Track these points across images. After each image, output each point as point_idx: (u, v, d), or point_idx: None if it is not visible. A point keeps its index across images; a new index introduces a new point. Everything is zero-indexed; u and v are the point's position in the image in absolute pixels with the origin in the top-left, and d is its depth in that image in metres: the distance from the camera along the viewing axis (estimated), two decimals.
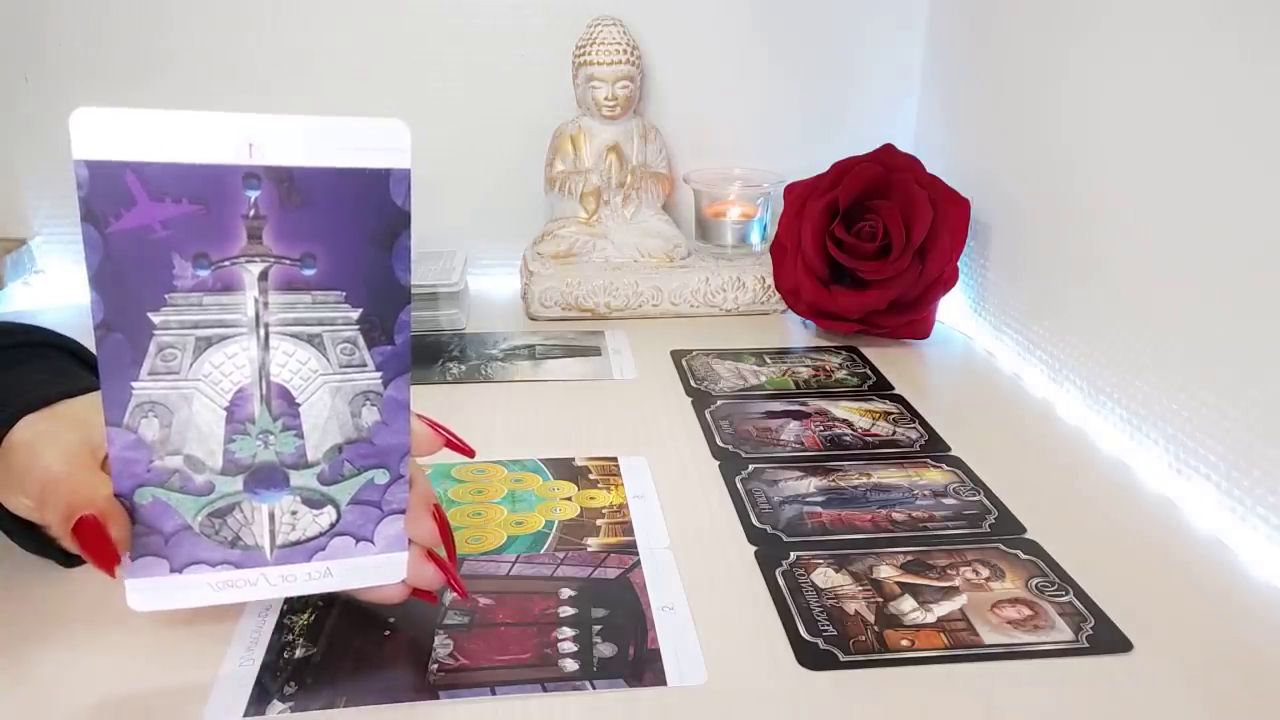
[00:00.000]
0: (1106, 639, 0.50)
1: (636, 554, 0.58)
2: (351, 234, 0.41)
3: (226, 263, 0.40)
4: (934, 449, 0.71)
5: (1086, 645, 0.50)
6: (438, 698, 0.46)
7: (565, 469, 0.68)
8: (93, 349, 0.40)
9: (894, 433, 0.73)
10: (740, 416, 0.76)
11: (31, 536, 0.51)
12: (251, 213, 0.40)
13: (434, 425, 0.48)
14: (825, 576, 0.55)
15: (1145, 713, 0.46)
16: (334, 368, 0.43)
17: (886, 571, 0.56)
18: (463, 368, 0.86)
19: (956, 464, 0.69)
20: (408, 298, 0.43)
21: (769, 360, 0.88)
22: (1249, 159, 0.59)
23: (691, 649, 0.49)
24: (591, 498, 0.64)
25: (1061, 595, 0.54)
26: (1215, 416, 0.62)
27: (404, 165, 0.41)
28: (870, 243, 0.89)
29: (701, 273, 0.99)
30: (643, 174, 1.03)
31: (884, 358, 0.88)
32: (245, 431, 0.42)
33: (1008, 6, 0.89)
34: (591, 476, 0.67)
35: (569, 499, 0.64)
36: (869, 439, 0.73)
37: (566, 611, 0.52)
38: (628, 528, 0.60)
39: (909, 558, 0.57)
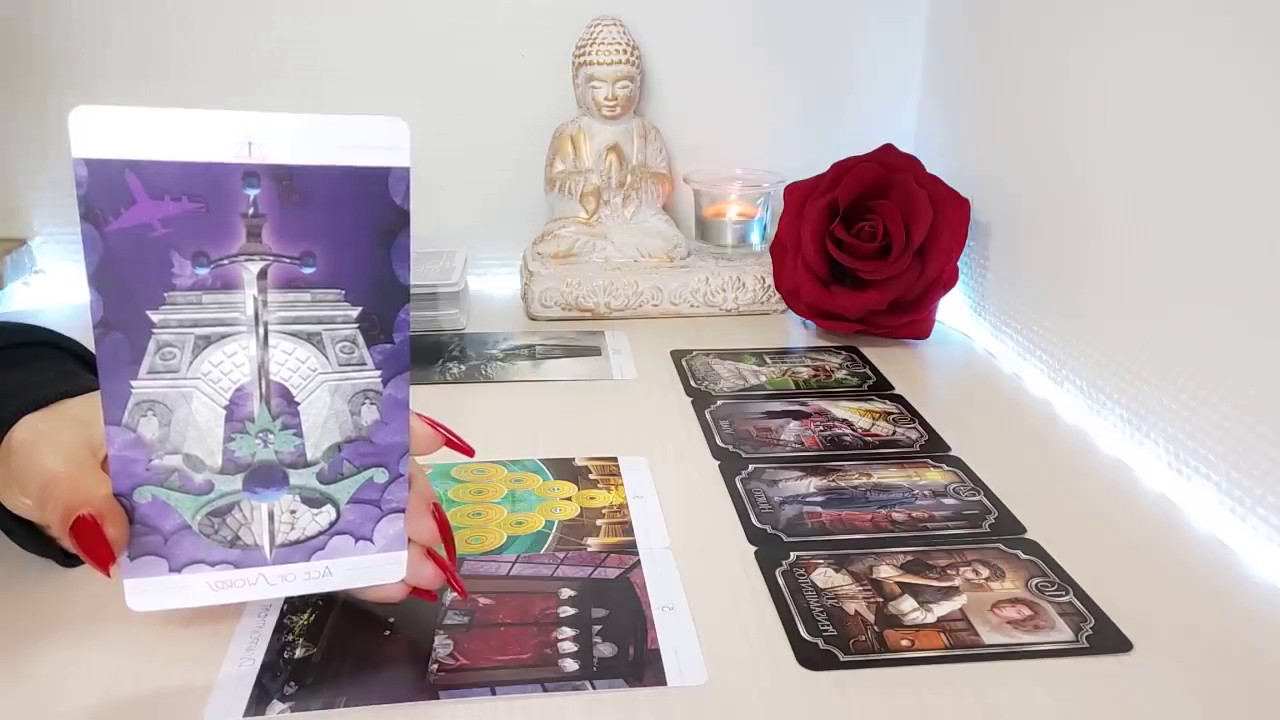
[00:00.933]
0: (1106, 639, 0.50)
1: (636, 554, 0.58)
2: (351, 232, 0.41)
3: (226, 261, 0.40)
4: (934, 449, 0.71)
5: (1086, 645, 0.50)
6: (438, 698, 0.46)
7: (565, 469, 0.68)
8: (92, 348, 0.40)
9: (894, 433, 0.73)
10: (740, 416, 0.76)
11: (32, 536, 0.51)
12: (251, 211, 0.40)
13: (433, 424, 0.48)
14: (825, 576, 0.55)
15: (1145, 713, 0.46)
16: (333, 366, 0.43)
17: (886, 571, 0.56)
18: (463, 368, 0.86)
19: (956, 464, 0.69)
20: (407, 296, 0.43)
21: (769, 360, 0.88)
22: (1249, 159, 0.59)
23: (691, 649, 0.49)
24: (591, 498, 0.64)
25: (1061, 595, 0.54)
26: (1215, 416, 0.62)
27: (403, 164, 0.41)
28: (870, 243, 0.89)
29: (701, 273, 0.99)
30: (643, 174, 1.03)
31: (884, 358, 0.88)
32: (244, 430, 0.42)
33: (1008, 7, 0.89)
34: (591, 476, 0.67)
35: (569, 499, 0.64)
36: (869, 439, 0.72)
37: (566, 611, 0.52)
38: (628, 528, 0.60)
39: (909, 558, 0.57)
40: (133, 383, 0.40)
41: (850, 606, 0.53)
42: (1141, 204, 0.70)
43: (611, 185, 1.02)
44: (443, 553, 0.49)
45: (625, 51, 0.99)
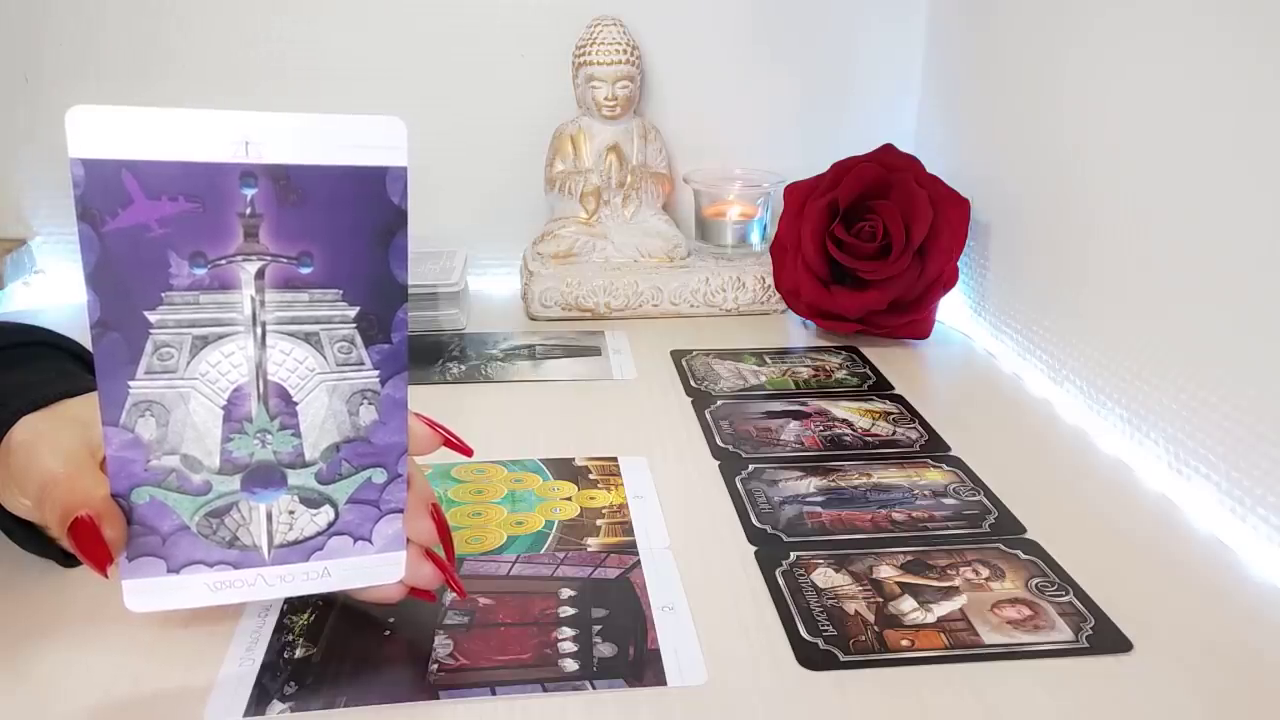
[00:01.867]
0: (1106, 639, 0.50)
1: (636, 554, 0.58)
2: (348, 232, 0.41)
3: (223, 261, 0.40)
4: (934, 449, 0.71)
5: (1086, 645, 0.50)
6: (438, 698, 0.46)
7: (565, 469, 0.68)
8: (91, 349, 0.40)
9: (894, 433, 0.73)
10: (740, 416, 0.76)
11: (31, 536, 0.51)
12: (248, 211, 0.40)
13: (432, 424, 0.48)
14: (825, 576, 0.55)
15: (1145, 713, 0.46)
16: (331, 366, 0.43)
17: (886, 571, 0.56)
18: (463, 368, 0.86)
19: (956, 464, 0.69)
20: (405, 296, 0.43)
21: (769, 360, 0.88)
22: (1249, 159, 0.59)
23: (691, 649, 0.49)
24: (591, 498, 0.64)
25: (1061, 595, 0.54)
26: (1215, 416, 0.62)
27: (401, 163, 0.41)
28: (870, 243, 0.89)
29: (701, 273, 0.99)
30: (643, 174, 1.03)
31: (884, 358, 0.88)
32: (242, 430, 0.42)
33: (1008, 7, 0.89)
34: (591, 476, 0.67)
35: (569, 499, 0.64)
36: (869, 439, 0.72)
37: (566, 611, 0.52)
38: (628, 528, 0.60)
39: (909, 558, 0.57)
40: (130, 383, 0.40)
41: (850, 606, 0.53)
42: (1141, 204, 0.70)
43: (611, 185, 1.02)
44: (441, 553, 0.49)
45: (625, 51, 0.99)
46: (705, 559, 0.57)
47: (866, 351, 0.90)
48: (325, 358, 0.43)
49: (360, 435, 0.44)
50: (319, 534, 0.45)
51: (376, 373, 0.44)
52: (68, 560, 0.52)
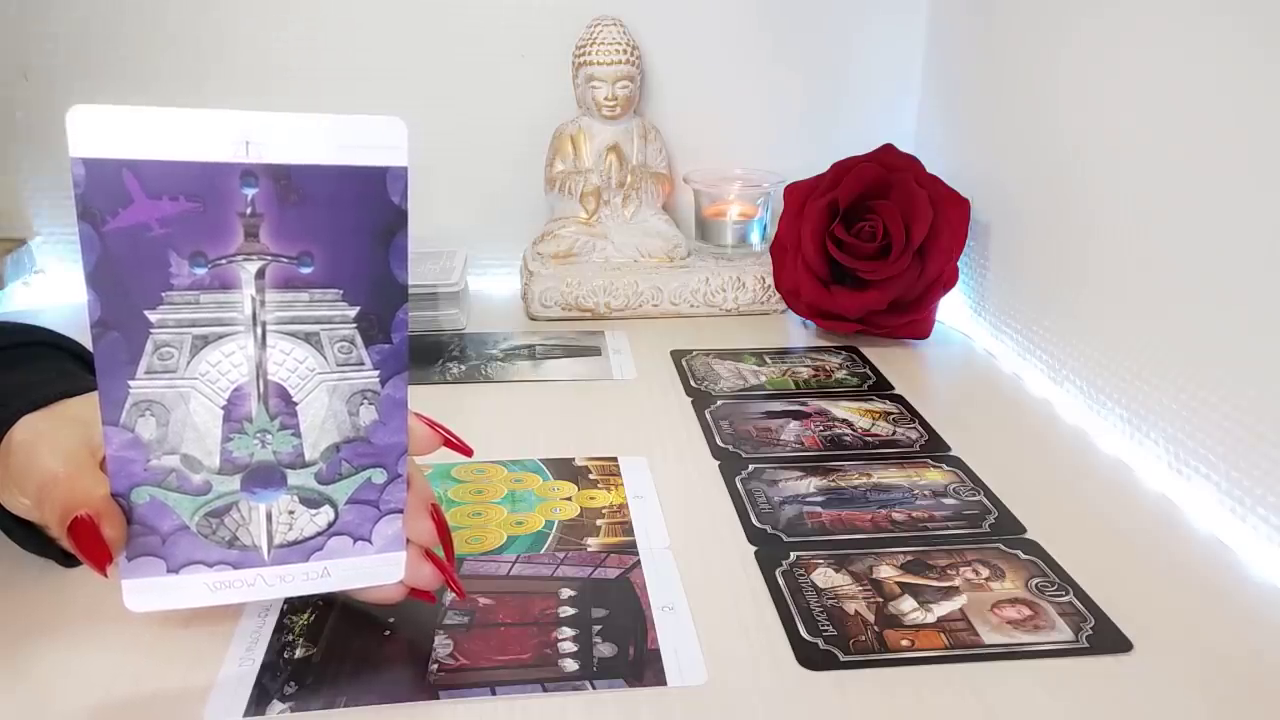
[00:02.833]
0: (1106, 639, 0.50)
1: (636, 554, 0.58)
2: (349, 232, 0.41)
3: (223, 261, 0.40)
4: (934, 449, 0.71)
5: (1086, 645, 0.50)
6: (438, 698, 0.46)
7: (565, 469, 0.68)
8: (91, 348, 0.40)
9: (894, 433, 0.73)
10: (740, 416, 0.76)
11: (32, 536, 0.51)
12: (248, 210, 0.40)
13: (432, 424, 0.48)
14: (825, 576, 0.55)
15: (1145, 713, 0.46)
16: (331, 366, 0.43)
17: (886, 571, 0.56)
18: (463, 368, 0.86)
19: (956, 464, 0.69)
20: (405, 296, 0.43)
21: (769, 360, 0.88)
22: (1250, 159, 0.59)
23: (691, 649, 0.49)
24: (591, 498, 0.64)
25: (1061, 595, 0.54)
26: (1215, 416, 0.62)
27: (401, 163, 0.41)
28: (870, 243, 0.89)
29: (701, 273, 0.99)
30: (643, 174, 1.03)
31: (884, 358, 0.88)
32: (242, 430, 0.42)
33: (1008, 7, 0.89)
34: (591, 476, 0.67)
35: (569, 499, 0.64)
36: (869, 439, 0.72)
37: (566, 611, 0.52)
38: (628, 528, 0.60)
39: (909, 558, 0.57)
40: (130, 383, 0.40)
41: (850, 606, 0.53)
42: (1142, 204, 0.70)
43: (611, 185, 1.02)
44: (441, 553, 0.49)
45: (625, 51, 0.99)
46: (705, 559, 0.57)
47: (866, 351, 0.90)
48: (325, 358, 0.43)
49: (360, 435, 0.44)
50: (319, 534, 0.45)
51: (376, 373, 0.44)
52: (68, 560, 0.52)
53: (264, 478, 0.43)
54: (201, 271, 0.40)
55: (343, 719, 0.45)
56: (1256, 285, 0.59)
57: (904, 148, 0.94)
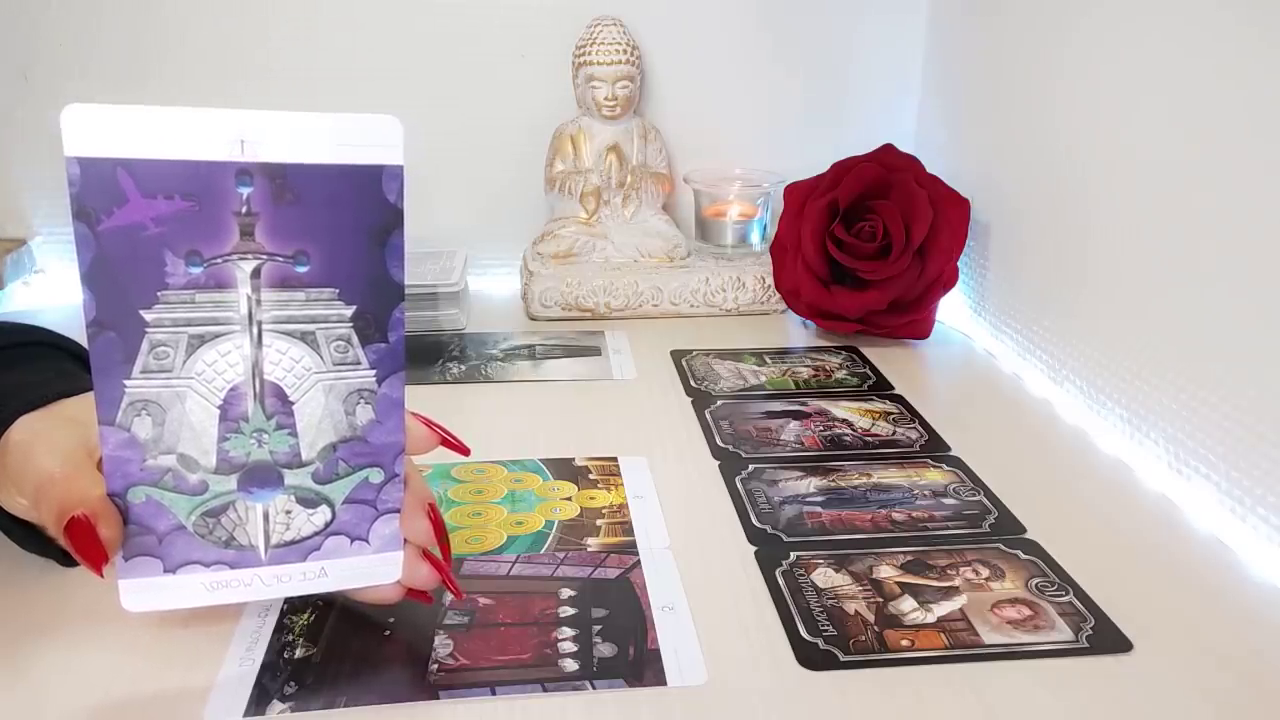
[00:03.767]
0: (1106, 639, 0.50)
1: (636, 554, 0.57)
2: (345, 231, 0.41)
3: (219, 260, 0.40)
4: (934, 449, 0.71)
5: (1086, 645, 0.50)
6: (438, 698, 0.46)
7: (565, 469, 0.67)
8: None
9: (894, 433, 0.73)
10: (740, 416, 0.76)
11: (30, 536, 0.51)
12: (244, 209, 0.40)
13: (429, 423, 0.48)
14: (825, 576, 0.55)
15: (1145, 713, 0.45)
16: (327, 365, 0.43)
17: (886, 571, 0.56)
18: (463, 368, 0.85)
19: (956, 464, 0.69)
20: (401, 295, 0.43)
21: (769, 360, 0.87)
22: (1250, 158, 0.59)
23: (691, 649, 0.49)
24: (591, 498, 0.64)
25: (1061, 595, 0.54)
26: (1215, 416, 0.62)
27: (397, 162, 0.41)
28: (870, 243, 0.89)
29: (701, 273, 0.99)
30: (643, 174, 1.03)
31: (884, 358, 0.88)
32: (239, 430, 0.42)
33: (1008, 6, 0.89)
34: (591, 476, 0.66)
35: (569, 499, 0.64)
36: (869, 439, 0.72)
37: (566, 611, 0.52)
38: (628, 528, 0.60)
39: (909, 558, 0.57)
40: (126, 382, 0.40)
41: (850, 606, 0.53)
42: (1141, 204, 0.70)
43: (611, 185, 1.02)
44: (438, 553, 0.48)
45: (625, 51, 0.99)
46: (705, 559, 0.57)
47: (866, 351, 0.90)
48: (322, 357, 0.43)
49: (357, 435, 0.44)
50: (316, 534, 0.45)
51: (373, 372, 0.44)
52: (66, 560, 0.52)
53: (261, 477, 0.43)
54: (197, 271, 0.40)
55: (343, 719, 0.45)
56: (1257, 285, 0.59)
57: (904, 148, 0.94)
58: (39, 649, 0.49)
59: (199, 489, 0.42)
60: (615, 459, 0.69)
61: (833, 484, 0.66)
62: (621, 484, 0.65)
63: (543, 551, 0.58)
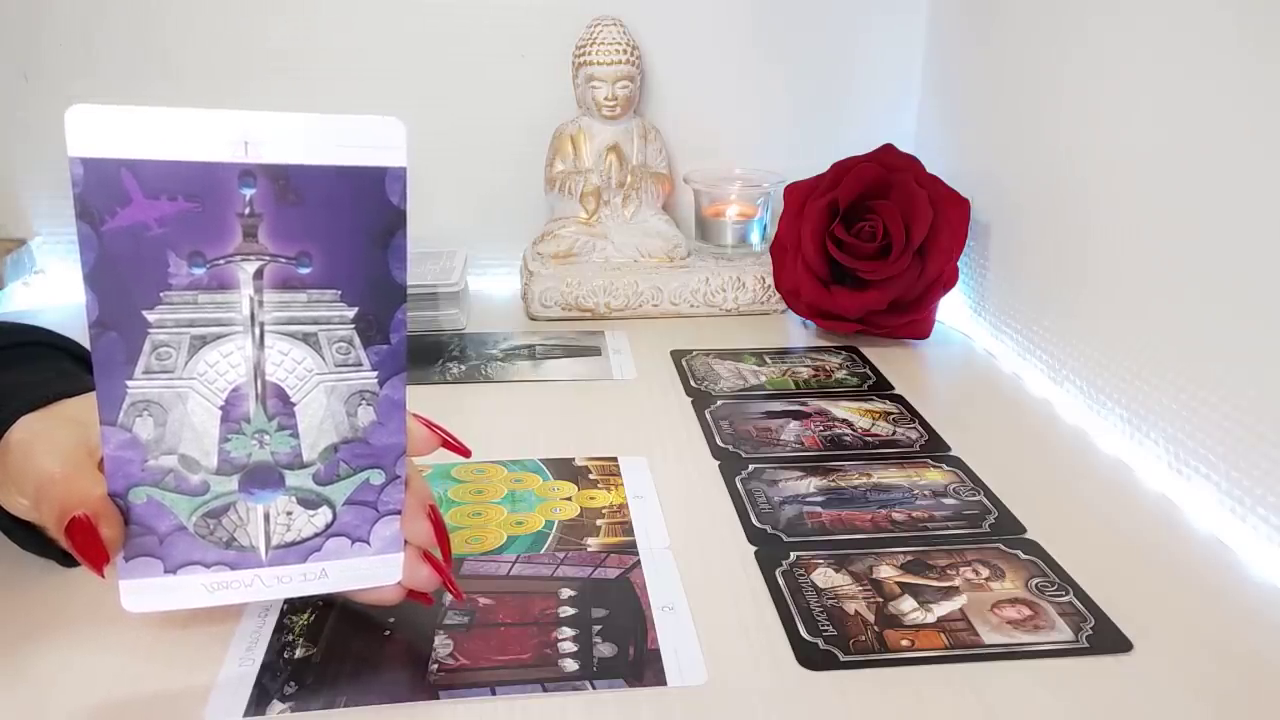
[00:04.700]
0: (1106, 639, 0.50)
1: (636, 554, 0.58)
2: (347, 232, 0.41)
3: (222, 261, 0.40)
4: (934, 449, 0.71)
5: (1086, 645, 0.50)
6: (438, 698, 0.46)
7: (565, 469, 0.67)
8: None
9: (894, 433, 0.73)
10: (740, 416, 0.76)
11: (31, 536, 0.51)
12: (247, 211, 0.40)
13: (430, 425, 0.48)
14: (825, 576, 0.55)
15: (1145, 713, 0.46)
16: (329, 367, 0.43)
17: (886, 571, 0.56)
18: (463, 368, 0.86)
19: (956, 464, 0.69)
20: (404, 297, 0.43)
21: (769, 360, 0.87)
22: (1250, 158, 0.59)
23: (691, 649, 0.49)
24: (591, 498, 0.64)
25: (1061, 595, 0.54)
26: (1215, 416, 0.62)
27: (400, 163, 0.41)
28: (870, 243, 0.89)
29: (701, 273, 0.99)
30: (643, 174, 1.03)
31: (884, 358, 0.88)
32: (240, 431, 0.42)
33: (1008, 7, 0.89)
34: (591, 476, 0.66)
35: (569, 499, 0.64)
36: (869, 439, 0.72)
37: (566, 611, 0.52)
38: (628, 528, 0.60)
39: (909, 558, 0.57)
40: (128, 383, 0.40)
41: (850, 606, 0.53)
42: (1141, 203, 0.70)
43: (611, 185, 1.02)
44: (439, 555, 0.48)
45: (625, 51, 0.99)
46: (705, 559, 0.57)
47: (866, 351, 0.90)
48: (323, 358, 0.43)
49: (358, 436, 0.44)
50: (316, 535, 0.45)
51: (375, 373, 0.44)
52: (67, 560, 0.52)
53: (262, 478, 0.43)
54: (200, 271, 0.40)
55: (343, 719, 0.45)
56: (1257, 285, 0.59)
57: (904, 148, 0.94)
58: (40, 649, 0.49)
59: (200, 490, 0.42)
60: (615, 459, 0.69)
61: (833, 484, 0.66)
62: (621, 484, 0.65)
63: (543, 551, 0.58)
